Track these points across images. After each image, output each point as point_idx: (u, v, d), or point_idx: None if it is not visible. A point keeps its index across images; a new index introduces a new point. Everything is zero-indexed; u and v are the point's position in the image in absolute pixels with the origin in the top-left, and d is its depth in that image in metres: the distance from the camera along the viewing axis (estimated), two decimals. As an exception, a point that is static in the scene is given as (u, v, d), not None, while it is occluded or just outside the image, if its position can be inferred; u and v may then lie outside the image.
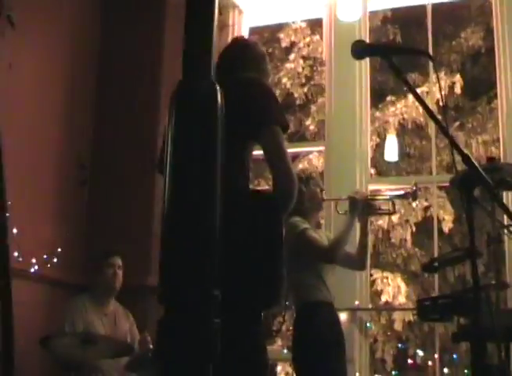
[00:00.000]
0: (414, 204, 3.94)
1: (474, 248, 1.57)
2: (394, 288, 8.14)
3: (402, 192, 3.64)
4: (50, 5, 4.81)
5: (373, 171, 6.72)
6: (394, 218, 8.29)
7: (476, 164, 1.59)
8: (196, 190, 0.78)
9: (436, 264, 3.37)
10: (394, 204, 3.65)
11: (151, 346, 3.70)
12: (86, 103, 5.17)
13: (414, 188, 3.53)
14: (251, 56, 2.48)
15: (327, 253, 3.45)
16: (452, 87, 8.49)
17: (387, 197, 3.71)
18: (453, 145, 1.62)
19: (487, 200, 2.53)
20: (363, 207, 3.54)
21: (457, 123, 8.81)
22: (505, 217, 4.13)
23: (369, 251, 3.79)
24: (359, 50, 1.84)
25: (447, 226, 8.14)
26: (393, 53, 1.79)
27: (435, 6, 5.20)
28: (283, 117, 2.25)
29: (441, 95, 6.16)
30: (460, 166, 1.74)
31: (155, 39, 5.16)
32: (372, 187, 4.74)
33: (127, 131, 5.07)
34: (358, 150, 4.82)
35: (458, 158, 1.66)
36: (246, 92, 2.24)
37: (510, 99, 4.57)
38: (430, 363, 5.99)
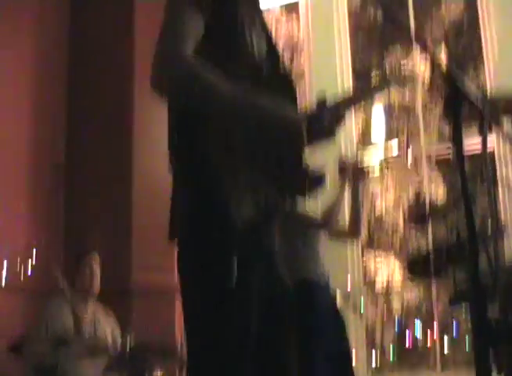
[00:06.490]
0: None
1: (465, 184, 1.33)
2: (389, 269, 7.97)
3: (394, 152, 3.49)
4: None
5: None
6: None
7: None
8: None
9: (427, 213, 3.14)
10: (387, 164, 3.53)
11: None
12: (57, 98, 4.97)
13: (406, 144, 3.43)
14: None
15: (322, 223, 3.37)
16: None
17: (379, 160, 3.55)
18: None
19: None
20: (353, 173, 3.44)
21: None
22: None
23: (362, 218, 3.66)
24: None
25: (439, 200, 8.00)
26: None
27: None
28: None
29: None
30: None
31: (126, 26, 4.95)
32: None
33: (101, 126, 4.87)
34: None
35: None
36: None
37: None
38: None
